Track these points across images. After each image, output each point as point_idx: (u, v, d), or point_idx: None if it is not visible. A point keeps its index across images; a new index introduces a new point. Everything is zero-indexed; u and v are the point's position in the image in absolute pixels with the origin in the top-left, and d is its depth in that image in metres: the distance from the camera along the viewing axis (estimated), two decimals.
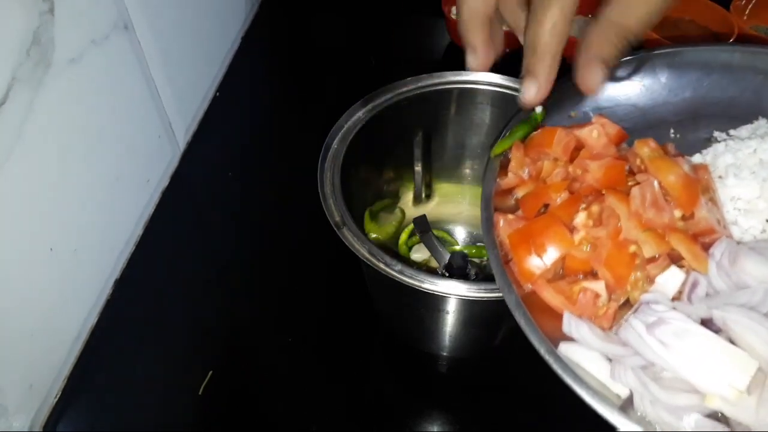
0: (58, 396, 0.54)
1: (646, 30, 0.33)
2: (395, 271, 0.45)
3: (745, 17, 0.83)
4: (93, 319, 0.58)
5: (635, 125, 0.40)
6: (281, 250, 0.66)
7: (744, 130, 0.38)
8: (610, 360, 0.31)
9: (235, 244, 0.66)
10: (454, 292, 0.43)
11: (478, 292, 0.43)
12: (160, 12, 0.64)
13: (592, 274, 0.33)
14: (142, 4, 0.60)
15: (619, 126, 0.38)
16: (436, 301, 0.49)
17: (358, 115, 0.56)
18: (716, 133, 0.39)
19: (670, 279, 0.32)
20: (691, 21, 0.83)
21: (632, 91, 0.41)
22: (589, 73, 0.34)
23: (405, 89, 0.58)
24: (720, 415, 0.29)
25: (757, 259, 0.31)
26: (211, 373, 0.55)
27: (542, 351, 0.30)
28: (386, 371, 0.57)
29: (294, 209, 0.68)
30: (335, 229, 0.48)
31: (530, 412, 0.53)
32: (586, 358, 0.31)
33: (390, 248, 0.57)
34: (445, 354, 0.57)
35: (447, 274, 0.53)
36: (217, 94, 0.80)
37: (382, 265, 0.46)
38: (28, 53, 0.46)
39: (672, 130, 0.40)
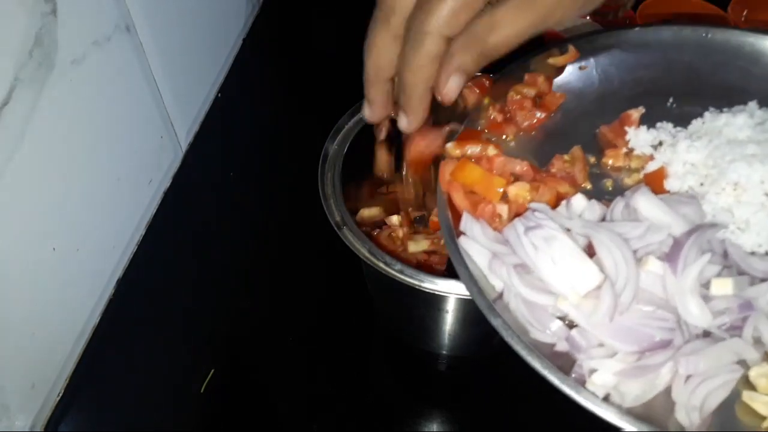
0: (60, 395, 0.54)
1: (506, 50, 0.35)
2: (395, 270, 0.46)
3: (742, 18, 0.84)
4: (95, 319, 0.59)
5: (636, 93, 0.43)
6: (282, 250, 0.66)
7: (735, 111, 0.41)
8: None
9: (237, 244, 0.67)
10: (454, 291, 0.44)
11: None
12: (161, 13, 0.64)
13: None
14: (143, 6, 0.60)
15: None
16: (435, 301, 0.49)
17: (359, 115, 0.56)
18: (710, 110, 0.42)
19: (575, 202, 0.37)
20: (690, 21, 0.83)
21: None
22: (445, 81, 0.35)
23: None
24: (567, 321, 0.33)
25: (652, 202, 0.35)
26: (212, 372, 0.56)
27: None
28: (386, 370, 0.58)
29: (295, 209, 0.68)
30: (335, 229, 0.49)
31: (530, 410, 0.53)
32: (476, 251, 0.36)
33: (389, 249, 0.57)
34: (444, 353, 0.58)
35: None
36: (219, 95, 0.80)
37: (382, 265, 0.46)
38: (31, 54, 0.46)
39: (671, 100, 0.43)
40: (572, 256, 0.33)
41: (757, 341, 0.32)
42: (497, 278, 0.35)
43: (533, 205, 0.36)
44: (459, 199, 0.37)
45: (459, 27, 0.34)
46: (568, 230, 0.34)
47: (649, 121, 0.41)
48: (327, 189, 0.51)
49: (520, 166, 0.38)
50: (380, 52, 0.37)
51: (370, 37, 0.37)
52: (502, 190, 0.37)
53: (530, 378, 0.31)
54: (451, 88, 0.35)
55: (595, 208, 0.36)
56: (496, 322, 0.33)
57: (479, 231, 0.36)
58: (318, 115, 0.62)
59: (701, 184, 0.38)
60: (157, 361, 0.57)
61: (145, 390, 0.55)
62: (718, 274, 0.34)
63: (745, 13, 0.84)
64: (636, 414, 0.30)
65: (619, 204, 0.36)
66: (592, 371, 0.32)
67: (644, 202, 0.35)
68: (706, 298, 0.33)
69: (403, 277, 0.45)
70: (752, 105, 0.40)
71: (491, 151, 0.39)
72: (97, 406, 0.55)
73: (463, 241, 0.36)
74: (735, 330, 0.32)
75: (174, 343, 0.59)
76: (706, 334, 0.33)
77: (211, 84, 0.79)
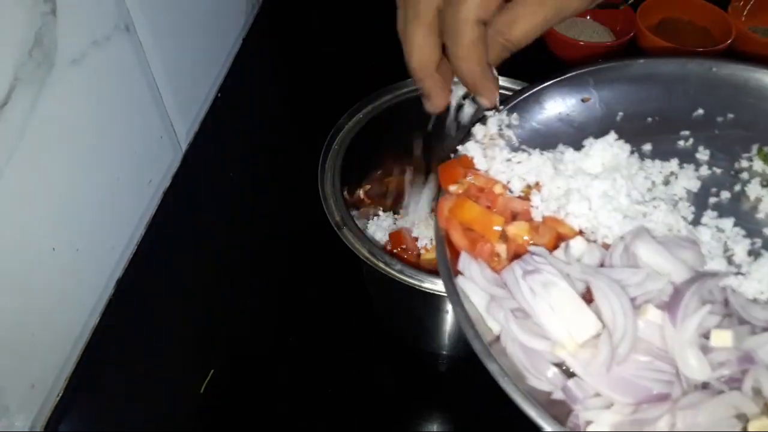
0: (59, 395, 0.54)
1: (526, 42, 0.37)
2: (395, 270, 0.46)
3: (743, 18, 0.84)
4: (95, 319, 0.59)
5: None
6: (282, 250, 0.66)
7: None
8: None
9: (236, 244, 0.67)
10: None
11: None
12: (161, 13, 0.64)
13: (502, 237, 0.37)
14: (143, 6, 0.60)
15: None
16: (435, 301, 0.49)
17: (359, 116, 0.56)
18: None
19: (575, 245, 0.36)
20: (689, 22, 0.83)
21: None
22: (486, 92, 0.38)
23: (405, 90, 0.58)
24: (564, 368, 0.33)
25: (652, 248, 0.34)
26: (212, 371, 0.56)
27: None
28: (386, 370, 0.58)
29: (294, 209, 0.68)
30: (335, 229, 0.49)
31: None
32: (474, 292, 0.35)
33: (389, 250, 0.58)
34: (444, 353, 0.58)
35: None
36: (219, 95, 0.80)
37: (381, 265, 0.46)
38: (31, 54, 0.46)
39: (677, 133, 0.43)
40: (570, 303, 0.33)
41: (757, 393, 0.32)
42: (495, 321, 0.35)
43: (532, 248, 0.35)
44: (457, 238, 0.37)
45: (492, 9, 0.35)
46: (567, 275, 0.34)
47: (656, 155, 0.41)
48: (327, 189, 0.51)
49: (521, 205, 0.38)
50: (422, 49, 0.38)
51: (409, 37, 0.38)
52: (500, 228, 0.36)
53: None
54: (491, 98, 0.38)
55: (594, 252, 0.35)
56: (492, 368, 0.33)
57: (477, 272, 0.35)
58: (318, 115, 0.62)
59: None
60: (156, 361, 0.57)
61: (145, 390, 0.55)
62: (719, 324, 0.33)
63: (745, 12, 0.84)
64: None
65: (618, 247, 0.35)
66: (588, 423, 0.31)
67: (644, 247, 0.34)
68: (706, 350, 0.32)
69: (403, 277, 0.45)
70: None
71: (498, 189, 0.38)
72: (96, 407, 0.55)
73: (461, 281, 0.36)
74: (734, 383, 0.32)
75: (174, 343, 0.59)
76: (705, 385, 0.32)
77: (211, 84, 0.79)
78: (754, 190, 0.39)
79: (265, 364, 0.57)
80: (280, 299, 0.62)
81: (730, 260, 0.36)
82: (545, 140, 0.41)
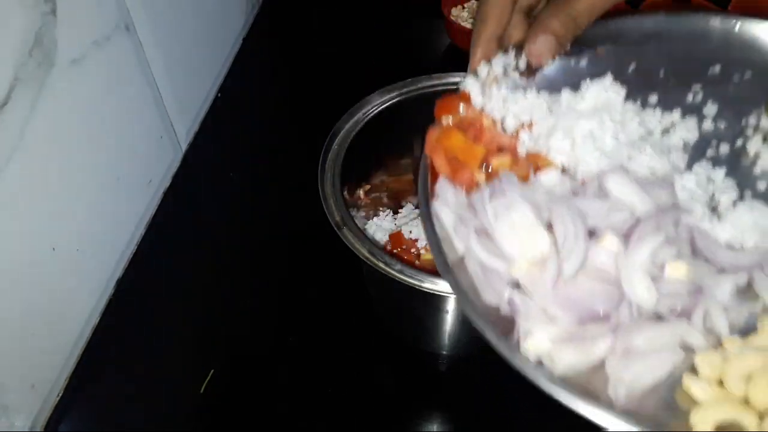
0: (59, 395, 0.54)
1: (591, 17, 0.37)
2: (395, 270, 0.46)
3: None
4: (95, 319, 0.59)
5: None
6: (282, 250, 0.66)
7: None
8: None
9: (236, 244, 0.67)
10: None
11: None
12: (161, 13, 0.64)
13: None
14: (143, 6, 0.60)
15: None
16: (436, 301, 0.49)
17: (359, 115, 0.56)
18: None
19: (545, 176, 0.37)
20: None
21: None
22: (534, 39, 0.37)
23: (405, 90, 0.58)
24: (519, 288, 0.34)
25: (623, 183, 0.35)
26: (212, 372, 0.56)
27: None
28: (386, 370, 0.58)
29: (295, 209, 0.68)
30: (335, 229, 0.49)
31: (530, 411, 0.53)
32: (445, 214, 0.37)
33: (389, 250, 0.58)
34: (444, 353, 0.58)
35: None
36: (219, 95, 0.80)
37: (381, 265, 0.46)
38: (31, 54, 0.46)
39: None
40: (528, 225, 0.34)
41: (710, 331, 0.32)
42: (460, 241, 0.36)
43: (503, 173, 0.37)
44: (440, 164, 0.38)
45: None
46: (531, 200, 0.35)
47: (659, 106, 0.41)
48: (327, 189, 0.51)
49: (508, 141, 0.39)
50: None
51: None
52: (481, 158, 0.38)
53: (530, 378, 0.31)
54: (539, 49, 0.37)
55: (566, 185, 0.37)
56: (448, 280, 0.34)
57: (451, 195, 0.37)
58: (318, 115, 0.62)
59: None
60: (156, 361, 0.57)
61: (145, 390, 0.55)
62: (676, 257, 0.34)
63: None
64: (567, 382, 0.31)
65: (593, 183, 0.36)
66: (527, 334, 0.32)
67: (615, 181, 0.35)
68: (658, 280, 0.33)
69: (403, 277, 0.45)
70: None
71: (486, 122, 0.39)
72: (96, 407, 0.55)
73: (435, 204, 0.37)
74: (682, 316, 0.33)
75: (174, 343, 0.59)
76: (657, 319, 0.33)
77: (211, 84, 0.79)
78: (755, 145, 0.39)
79: (265, 364, 0.57)
80: (280, 299, 0.62)
81: (713, 209, 0.36)
82: (551, 85, 0.42)
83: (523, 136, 0.39)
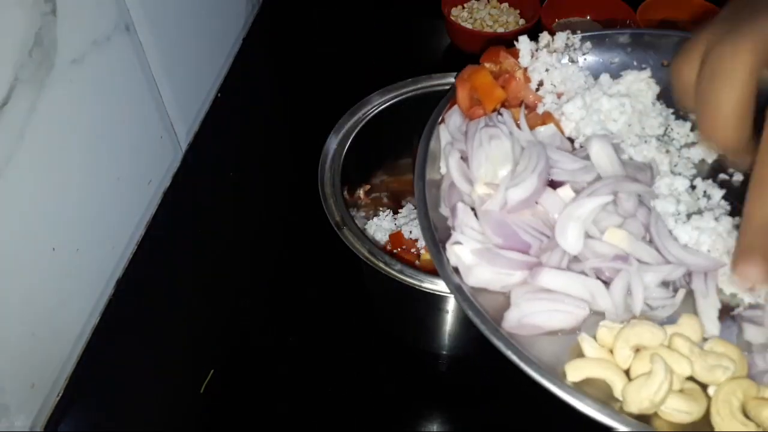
0: (59, 395, 0.54)
1: None
2: (395, 270, 0.46)
3: None
4: (95, 319, 0.59)
5: None
6: (282, 250, 0.66)
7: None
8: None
9: (236, 244, 0.67)
10: None
11: None
12: (161, 13, 0.64)
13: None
14: (143, 6, 0.60)
15: None
16: (435, 301, 0.49)
17: (359, 115, 0.56)
18: None
19: (543, 128, 0.40)
20: (690, 22, 0.83)
21: None
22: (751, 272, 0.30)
23: (405, 90, 0.58)
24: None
25: (603, 150, 0.36)
26: (212, 372, 0.56)
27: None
28: (386, 370, 0.58)
29: (294, 209, 0.68)
30: (335, 229, 0.49)
31: (530, 410, 0.53)
32: (444, 136, 0.40)
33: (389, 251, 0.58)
34: (444, 353, 0.58)
35: None
36: (219, 95, 0.80)
37: (382, 265, 0.46)
38: (31, 54, 0.46)
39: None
40: (501, 155, 0.36)
41: (627, 307, 0.33)
42: (445, 160, 0.39)
43: (503, 110, 0.39)
44: (462, 96, 0.41)
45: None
46: (515, 138, 0.37)
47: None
48: (327, 189, 0.51)
49: (532, 97, 0.41)
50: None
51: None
52: (499, 103, 0.40)
53: (530, 378, 0.32)
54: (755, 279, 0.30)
55: (556, 139, 0.38)
56: (416, 185, 0.37)
57: (455, 120, 0.40)
58: (318, 115, 0.62)
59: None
60: (156, 362, 0.57)
61: (145, 390, 0.55)
62: (620, 226, 0.35)
63: None
64: (474, 296, 0.33)
65: (583, 150, 0.38)
66: (456, 243, 0.34)
67: (597, 147, 0.36)
68: (592, 237, 0.34)
69: (403, 277, 0.45)
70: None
71: (518, 74, 0.41)
72: (96, 407, 0.55)
73: (441, 127, 0.40)
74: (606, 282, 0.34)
75: (174, 343, 0.59)
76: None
77: (211, 84, 0.79)
78: None
79: (265, 364, 0.57)
80: (280, 299, 0.62)
81: (688, 215, 0.36)
82: (598, 72, 0.43)
83: (548, 97, 0.41)
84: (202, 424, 0.54)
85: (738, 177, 0.39)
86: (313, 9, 0.95)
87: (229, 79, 0.82)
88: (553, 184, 0.36)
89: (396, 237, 0.56)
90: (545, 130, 0.39)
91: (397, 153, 0.63)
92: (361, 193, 0.61)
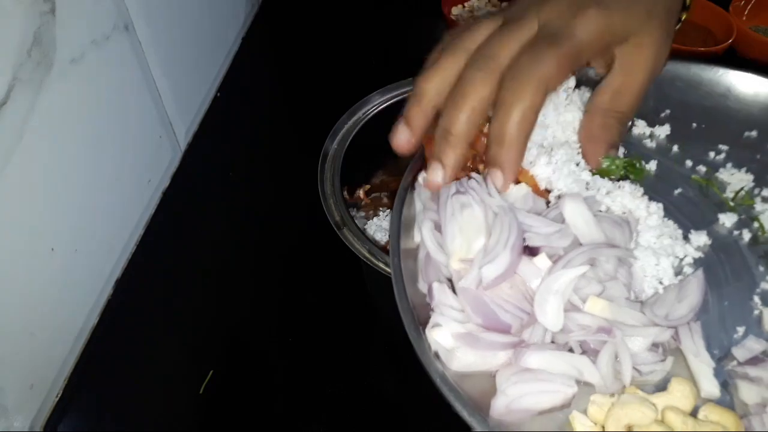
0: (58, 396, 0.54)
1: (635, 109, 0.37)
2: None
3: (744, 17, 0.84)
4: (94, 319, 0.59)
5: None
6: (282, 250, 0.66)
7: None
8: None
9: (236, 244, 0.67)
10: None
11: None
12: (160, 12, 0.64)
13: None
14: (142, 5, 0.60)
15: None
16: None
17: (358, 115, 0.56)
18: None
19: (516, 191, 0.38)
20: (691, 22, 0.83)
21: None
22: (602, 155, 0.37)
23: (405, 90, 0.58)
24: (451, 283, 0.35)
25: (578, 210, 0.35)
26: (211, 372, 0.55)
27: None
28: (386, 370, 0.58)
29: (294, 209, 0.68)
30: (335, 229, 0.49)
31: None
32: (417, 202, 0.39)
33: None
34: None
35: None
36: (218, 94, 0.80)
37: (381, 265, 0.46)
38: (29, 54, 0.46)
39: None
40: (474, 226, 0.35)
41: (616, 376, 0.32)
42: (418, 229, 0.37)
43: (473, 174, 0.37)
44: (429, 154, 0.39)
45: (562, 81, 0.34)
46: (486, 205, 0.36)
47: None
48: (327, 189, 0.51)
49: None
50: (444, 79, 0.35)
51: (441, 61, 0.36)
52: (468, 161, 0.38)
53: None
54: (599, 160, 0.37)
55: (528, 201, 0.37)
56: (392, 262, 0.35)
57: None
58: (318, 114, 0.62)
59: None
60: (155, 362, 0.57)
61: (144, 391, 0.55)
62: (600, 295, 0.33)
63: (746, 12, 0.84)
64: (457, 383, 0.32)
65: (556, 206, 0.36)
66: (436, 325, 0.33)
67: (570, 207, 0.35)
68: (573, 309, 0.33)
69: None
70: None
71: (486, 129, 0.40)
72: (95, 407, 0.55)
73: (414, 193, 0.39)
74: (592, 354, 0.32)
75: (173, 343, 0.59)
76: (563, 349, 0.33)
77: (210, 83, 0.79)
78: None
79: (265, 364, 0.57)
80: (280, 299, 0.62)
81: (678, 270, 0.36)
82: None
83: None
84: (201, 425, 0.54)
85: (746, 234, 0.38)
86: (313, 9, 0.94)
87: (229, 78, 0.82)
88: (530, 250, 0.35)
89: None
90: (517, 191, 0.37)
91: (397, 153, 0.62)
92: (361, 193, 0.61)
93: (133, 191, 0.64)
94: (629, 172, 0.39)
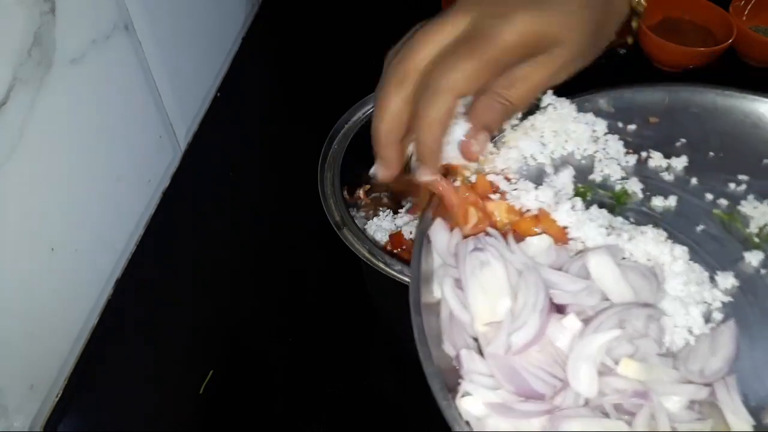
0: (58, 396, 0.54)
1: (527, 104, 0.37)
2: (395, 270, 0.46)
3: (744, 18, 0.84)
4: (94, 319, 0.59)
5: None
6: (281, 250, 0.66)
7: None
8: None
9: (236, 244, 0.67)
10: None
11: None
12: (160, 13, 0.64)
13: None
14: (142, 5, 0.60)
15: None
16: None
17: (358, 115, 0.56)
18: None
19: (534, 241, 0.37)
20: (691, 21, 0.83)
21: None
22: (473, 140, 0.36)
23: None
24: (477, 343, 0.34)
25: (605, 266, 0.34)
26: (211, 372, 0.55)
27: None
28: (386, 370, 0.58)
29: (294, 209, 0.68)
30: (335, 229, 0.49)
31: None
32: (435, 257, 0.37)
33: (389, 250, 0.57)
34: None
35: None
36: (218, 94, 0.80)
37: (381, 265, 0.46)
38: (30, 53, 0.46)
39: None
40: (496, 287, 0.34)
41: None
42: (439, 286, 0.36)
43: (490, 230, 0.36)
44: (453, 197, 0.38)
45: (475, 88, 0.34)
46: (508, 261, 0.35)
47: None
48: (327, 189, 0.51)
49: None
50: (394, 116, 0.36)
51: (384, 101, 0.37)
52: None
53: None
54: (478, 147, 0.37)
55: (551, 254, 0.36)
56: (415, 321, 0.34)
57: (442, 239, 0.37)
58: (318, 115, 0.61)
59: None
60: (155, 362, 0.57)
61: (144, 391, 0.55)
62: (633, 355, 0.33)
63: (746, 12, 0.84)
64: None
65: (580, 258, 0.35)
66: (466, 394, 0.32)
67: (596, 262, 0.34)
68: (608, 371, 0.32)
69: (403, 277, 0.45)
70: None
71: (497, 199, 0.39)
72: (95, 407, 0.55)
73: (429, 246, 0.37)
74: (626, 414, 0.32)
75: (173, 343, 0.59)
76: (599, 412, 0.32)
77: (210, 83, 0.79)
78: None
79: (265, 364, 0.57)
80: (280, 299, 0.62)
81: (707, 317, 0.35)
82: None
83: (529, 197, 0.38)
84: (201, 425, 0.54)
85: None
86: (313, 9, 0.94)
87: (229, 78, 0.82)
88: (556, 307, 0.34)
89: (396, 237, 0.56)
90: (539, 243, 0.36)
91: None
92: (361, 193, 0.61)
93: (133, 191, 0.64)
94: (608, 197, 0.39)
